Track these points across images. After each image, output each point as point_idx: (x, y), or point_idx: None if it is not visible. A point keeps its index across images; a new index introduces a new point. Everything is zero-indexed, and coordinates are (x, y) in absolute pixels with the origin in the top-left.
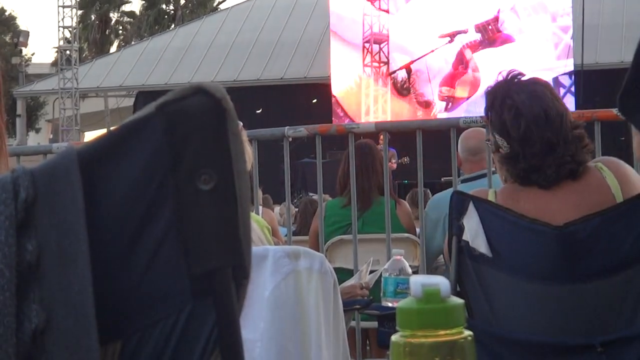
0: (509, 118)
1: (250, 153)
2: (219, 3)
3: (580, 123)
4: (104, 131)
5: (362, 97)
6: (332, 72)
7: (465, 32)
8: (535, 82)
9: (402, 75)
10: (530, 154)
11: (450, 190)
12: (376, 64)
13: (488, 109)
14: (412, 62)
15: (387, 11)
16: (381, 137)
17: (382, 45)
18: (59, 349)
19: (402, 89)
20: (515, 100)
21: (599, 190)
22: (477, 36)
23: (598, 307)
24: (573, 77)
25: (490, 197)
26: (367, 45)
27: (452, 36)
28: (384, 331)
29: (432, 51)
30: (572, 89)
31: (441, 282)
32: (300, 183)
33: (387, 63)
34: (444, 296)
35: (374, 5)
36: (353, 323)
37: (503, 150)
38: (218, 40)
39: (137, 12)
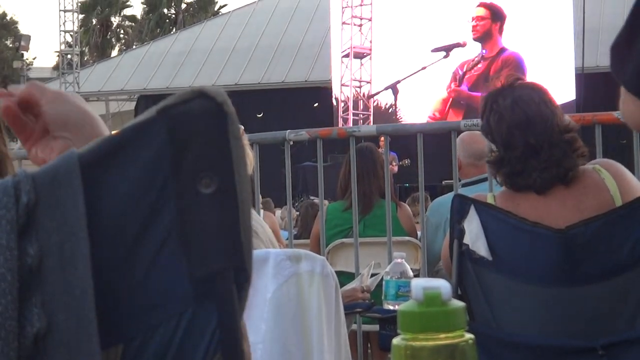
0: (493, 123)
1: (251, 157)
2: (220, 7)
3: (573, 127)
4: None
5: (340, 123)
6: (333, 75)
7: (463, 45)
8: (525, 87)
9: (387, 96)
10: (514, 158)
11: (450, 195)
12: (356, 83)
13: (481, 114)
14: (399, 81)
15: (370, 19)
16: (382, 140)
17: (363, 61)
18: (60, 353)
19: (388, 113)
20: (500, 105)
21: (598, 193)
22: (477, 47)
23: (599, 310)
24: (574, 80)
25: (489, 201)
26: (345, 60)
27: (447, 50)
28: (385, 334)
29: (424, 68)
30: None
31: (442, 285)
32: (301, 186)
33: (369, 82)
34: (445, 299)
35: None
36: (354, 326)
37: (493, 155)
38: (219, 44)
39: (139, 16)
